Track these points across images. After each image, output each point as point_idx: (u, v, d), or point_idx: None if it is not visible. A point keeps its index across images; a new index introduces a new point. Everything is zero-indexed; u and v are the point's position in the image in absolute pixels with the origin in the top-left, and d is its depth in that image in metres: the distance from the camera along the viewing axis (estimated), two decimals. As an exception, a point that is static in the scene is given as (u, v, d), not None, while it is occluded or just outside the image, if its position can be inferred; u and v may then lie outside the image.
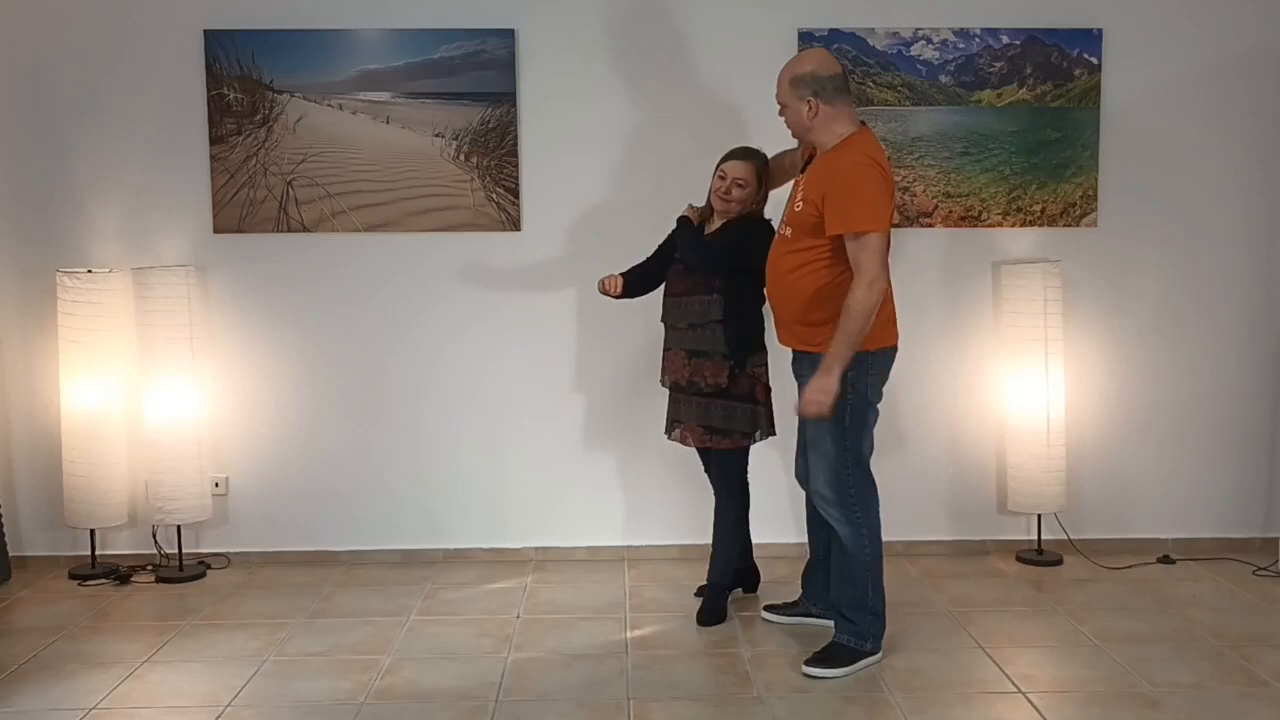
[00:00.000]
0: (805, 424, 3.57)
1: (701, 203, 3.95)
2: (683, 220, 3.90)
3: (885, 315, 3.46)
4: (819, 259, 3.41)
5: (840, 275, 3.37)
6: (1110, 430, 4.69)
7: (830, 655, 3.50)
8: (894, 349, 3.53)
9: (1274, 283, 4.67)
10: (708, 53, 4.53)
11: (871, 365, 3.45)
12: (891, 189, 3.41)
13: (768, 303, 3.68)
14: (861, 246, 3.28)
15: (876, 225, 3.28)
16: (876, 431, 3.60)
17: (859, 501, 3.51)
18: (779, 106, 3.50)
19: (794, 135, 3.58)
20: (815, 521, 3.77)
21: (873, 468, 3.58)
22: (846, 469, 3.49)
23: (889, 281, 3.38)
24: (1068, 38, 4.55)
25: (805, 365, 3.53)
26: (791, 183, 3.66)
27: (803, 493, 3.82)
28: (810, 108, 3.39)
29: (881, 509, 3.57)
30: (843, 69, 3.49)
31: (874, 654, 3.53)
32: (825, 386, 3.32)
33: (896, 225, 4.52)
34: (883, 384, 3.53)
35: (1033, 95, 4.57)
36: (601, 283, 3.93)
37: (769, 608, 3.97)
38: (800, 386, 3.56)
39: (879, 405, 3.55)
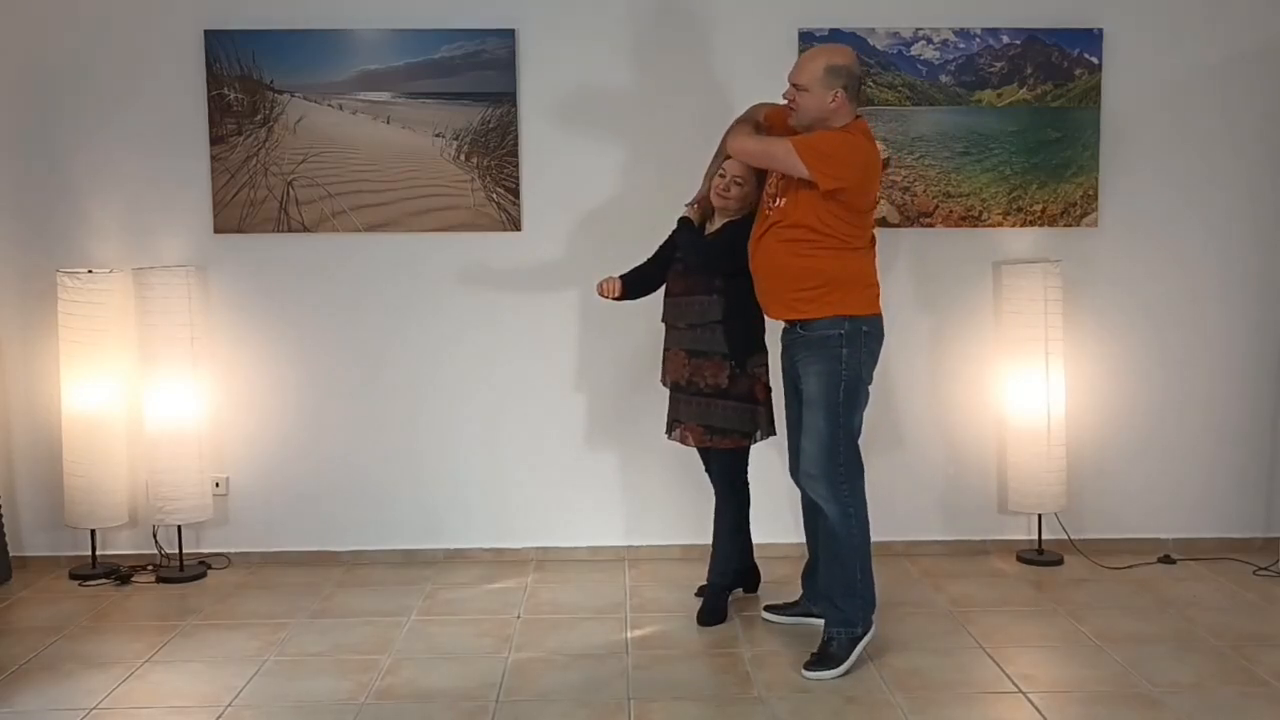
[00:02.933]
0: (800, 407, 3.60)
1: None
2: (683, 220, 3.89)
3: (868, 281, 3.56)
4: (812, 230, 3.47)
5: (829, 247, 3.47)
6: (1110, 430, 4.69)
7: (826, 655, 3.50)
8: (879, 319, 3.58)
9: (1274, 282, 4.67)
10: (708, 52, 4.53)
11: (865, 343, 3.51)
12: (873, 161, 3.51)
13: (753, 278, 3.69)
14: (787, 152, 3.43)
15: (806, 152, 3.41)
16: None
17: (847, 479, 3.52)
18: (792, 87, 3.50)
19: (797, 120, 3.54)
20: (814, 520, 3.77)
21: (873, 467, 3.60)
22: (839, 445, 3.51)
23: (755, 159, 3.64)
24: (1068, 38, 4.55)
25: (800, 349, 3.56)
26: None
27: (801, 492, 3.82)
28: (834, 99, 3.45)
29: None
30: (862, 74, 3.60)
31: (865, 632, 3.54)
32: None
33: (896, 225, 4.54)
34: (874, 365, 3.59)
35: (1033, 95, 4.57)
36: (599, 286, 3.93)
37: (769, 608, 3.97)
38: (795, 368, 3.59)
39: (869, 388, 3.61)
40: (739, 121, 3.75)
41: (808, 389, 3.55)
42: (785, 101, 3.58)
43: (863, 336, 3.52)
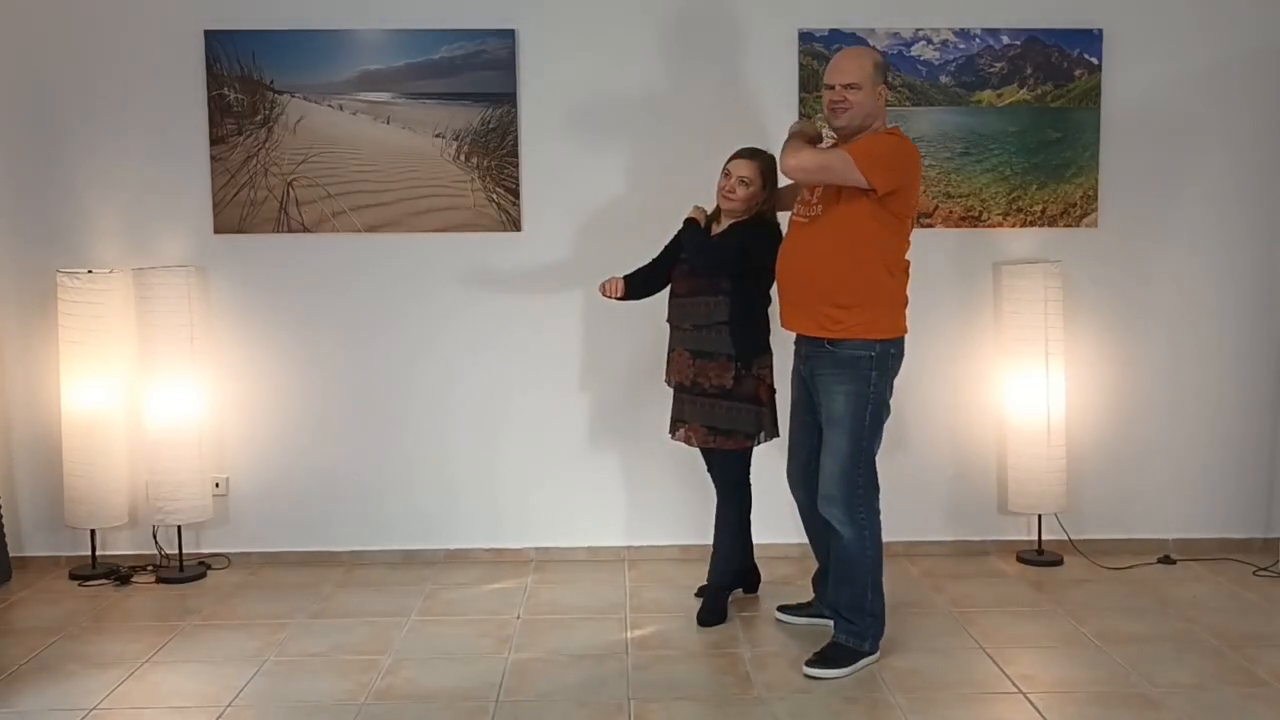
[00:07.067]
0: (821, 427, 3.57)
1: (704, 202, 3.95)
2: (689, 221, 3.89)
3: (900, 301, 3.52)
4: (851, 239, 3.43)
5: (869, 260, 3.43)
6: (1110, 430, 4.69)
7: (830, 655, 3.50)
8: (904, 339, 3.56)
9: (1274, 283, 4.67)
10: (708, 53, 4.53)
11: (892, 365, 3.51)
12: (920, 163, 3.52)
13: (778, 289, 3.67)
14: (845, 163, 3.35)
15: (863, 158, 3.33)
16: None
17: (864, 501, 3.52)
18: (845, 84, 3.42)
19: (849, 120, 3.45)
20: (814, 526, 3.76)
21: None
22: (858, 468, 3.50)
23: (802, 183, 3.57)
24: (1068, 38, 4.55)
25: (825, 365, 3.52)
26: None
27: (803, 494, 3.82)
28: (882, 95, 3.48)
29: (883, 510, 3.58)
30: None
31: (872, 654, 3.53)
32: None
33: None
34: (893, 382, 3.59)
35: (1033, 95, 4.57)
36: (602, 286, 3.93)
37: (782, 608, 3.95)
38: (815, 381, 3.56)
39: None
40: (791, 138, 3.59)
41: (831, 408, 3.51)
42: (828, 106, 3.49)
43: (890, 359, 3.50)
